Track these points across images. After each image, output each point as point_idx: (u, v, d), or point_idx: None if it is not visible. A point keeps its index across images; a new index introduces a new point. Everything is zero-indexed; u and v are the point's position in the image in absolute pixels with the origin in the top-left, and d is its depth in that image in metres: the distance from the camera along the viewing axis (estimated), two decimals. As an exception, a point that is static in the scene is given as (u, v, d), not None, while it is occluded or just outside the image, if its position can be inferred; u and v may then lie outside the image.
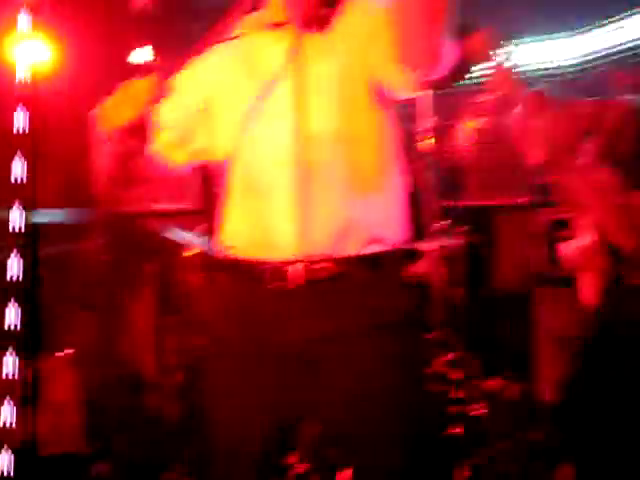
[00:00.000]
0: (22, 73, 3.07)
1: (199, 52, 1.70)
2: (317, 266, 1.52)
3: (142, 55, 4.53)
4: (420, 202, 3.31)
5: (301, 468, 2.72)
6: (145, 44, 4.51)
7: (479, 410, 3.32)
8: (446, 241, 3.30)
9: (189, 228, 3.58)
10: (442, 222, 3.30)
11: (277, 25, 1.58)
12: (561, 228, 3.58)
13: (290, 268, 1.53)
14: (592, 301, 2.65)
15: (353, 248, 1.54)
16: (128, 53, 4.51)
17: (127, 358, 4.55)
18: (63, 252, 3.75)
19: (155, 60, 4.22)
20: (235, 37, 1.65)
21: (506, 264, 4.39)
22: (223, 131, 1.63)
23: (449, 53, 1.44)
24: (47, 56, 3.20)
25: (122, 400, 4.16)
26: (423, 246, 3.31)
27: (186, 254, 3.54)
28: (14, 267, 3.08)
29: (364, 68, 1.53)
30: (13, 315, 3.03)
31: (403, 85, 1.50)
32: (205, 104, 1.66)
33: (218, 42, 1.66)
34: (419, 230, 3.33)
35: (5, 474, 2.89)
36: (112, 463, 3.42)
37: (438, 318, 3.29)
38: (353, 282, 1.54)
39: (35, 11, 3.03)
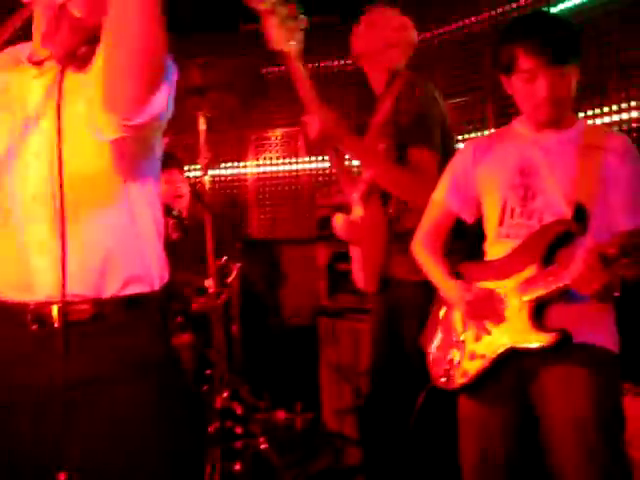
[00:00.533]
0: None
1: None
2: (76, 307, 1.48)
3: None
4: (196, 239, 3.34)
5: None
6: None
7: (263, 444, 3.36)
8: (226, 277, 3.34)
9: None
10: (220, 258, 3.33)
11: (37, 63, 1.54)
12: (342, 261, 3.72)
13: (49, 310, 1.47)
14: (362, 284, 2.75)
15: (112, 288, 1.51)
16: None
17: None
18: None
19: None
20: None
21: (290, 297, 4.51)
22: None
23: (156, 102, 1.44)
24: None
25: None
26: (201, 283, 3.33)
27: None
28: None
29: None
30: None
31: (104, 126, 1.46)
32: None
33: None
34: (196, 266, 3.35)
35: None
36: None
37: (218, 354, 3.31)
38: (112, 324, 1.51)
39: None
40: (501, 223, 2.10)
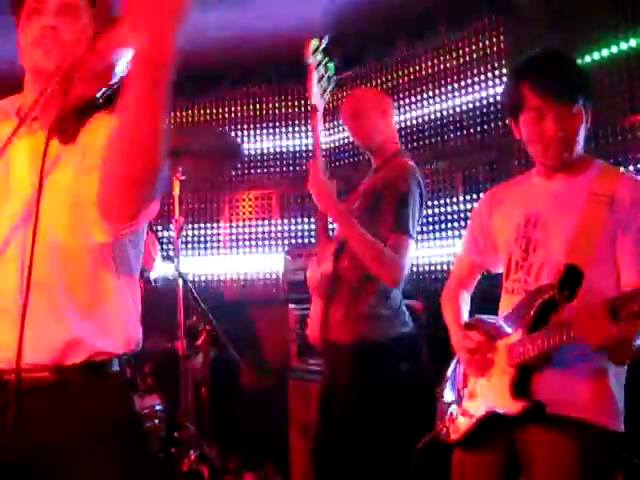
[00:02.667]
0: None
1: None
2: (37, 375, 1.48)
3: None
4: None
5: None
6: None
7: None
8: (195, 339, 3.35)
9: None
10: (190, 320, 3.35)
11: (25, 120, 1.53)
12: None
13: (8, 377, 1.47)
14: (314, 332, 2.83)
15: (74, 359, 1.51)
16: None
17: None
18: None
19: None
20: None
21: (260, 357, 4.51)
22: None
23: (150, 211, 1.48)
24: None
25: None
26: (171, 345, 3.34)
27: None
28: None
29: (81, 192, 1.52)
30: None
31: (94, 230, 1.50)
32: None
33: None
34: (164, 327, 3.36)
35: None
36: None
37: (185, 415, 3.31)
38: (72, 391, 1.51)
39: None
40: (507, 277, 2.08)
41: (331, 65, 2.82)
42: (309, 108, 2.85)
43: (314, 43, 2.75)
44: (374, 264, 2.66)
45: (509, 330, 1.98)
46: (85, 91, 1.54)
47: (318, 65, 2.76)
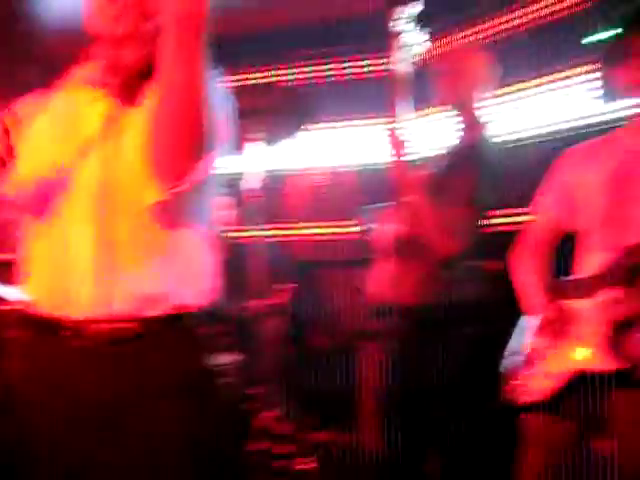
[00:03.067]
0: None
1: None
2: (118, 325, 1.52)
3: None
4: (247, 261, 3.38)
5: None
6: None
7: (306, 464, 3.36)
8: (270, 297, 3.36)
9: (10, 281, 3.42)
10: (265, 278, 3.35)
11: (95, 87, 1.59)
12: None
13: (91, 326, 1.51)
14: (377, 292, 2.84)
15: (156, 310, 1.54)
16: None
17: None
18: None
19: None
20: (60, 89, 1.65)
21: (330, 318, 4.52)
22: (27, 180, 1.58)
23: (201, 170, 1.47)
24: None
25: None
26: (242, 304, 3.35)
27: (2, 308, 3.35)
28: None
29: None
30: None
31: (145, 188, 1.51)
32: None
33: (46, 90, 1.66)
34: (241, 288, 3.38)
35: None
36: None
37: (266, 373, 3.33)
38: (153, 343, 1.54)
39: None
40: (592, 234, 2.06)
41: (418, 32, 2.77)
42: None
43: (404, 10, 2.72)
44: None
45: (601, 288, 1.95)
46: (149, 54, 1.54)
47: (404, 32, 2.73)
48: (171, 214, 1.55)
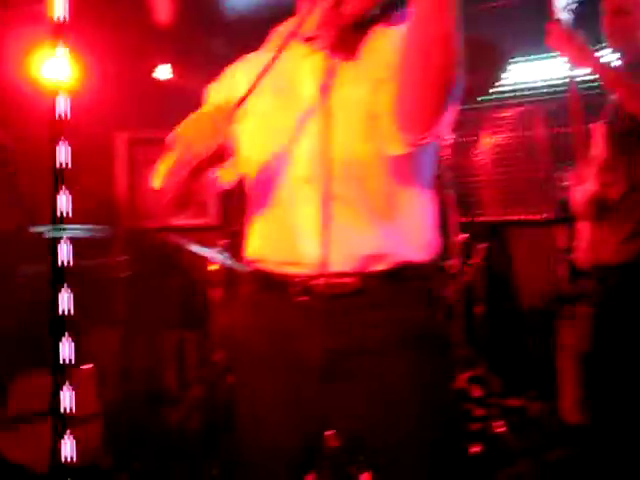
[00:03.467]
0: (53, 88, 3.12)
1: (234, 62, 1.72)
2: (341, 280, 1.53)
3: (166, 71, 4.59)
4: (441, 219, 3.32)
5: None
6: (168, 60, 4.57)
7: (500, 428, 3.30)
8: (466, 258, 3.30)
9: (209, 243, 3.61)
10: (461, 238, 3.29)
11: (309, 39, 1.59)
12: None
13: (315, 283, 1.54)
14: (584, 256, 2.75)
15: (377, 266, 1.54)
16: (152, 69, 4.58)
17: (148, 372, 4.58)
18: (87, 267, 3.78)
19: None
20: (266, 48, 1.67)
21: (526, 280, 4.38)
22: (247, 144, 1.64)
23: (446, 121, 1.44)
24: (73, 73, 3.24)
25: (143, 413, 4.18)
26: (445, 263, 3.31)
27: (209, 268, 3.55)
28: (64, 252, 3.11)
29: (377, 105, 1.52)
30: (65, 300, 3.05)
31: (390, 142, 1.49)
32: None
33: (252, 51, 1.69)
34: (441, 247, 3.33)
35: (69, 460, 2.93)
36: (132, 476, 3.43)
37: (459, 335, 3.29)
38: (377, 297, 1.54)
39: (60, 29, 3.08)
40: None
41: None
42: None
43: None
44: None
45: None
46: (361, 5, 1.53)
47: None
48: (401, 169, 1.54)
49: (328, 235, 1.51)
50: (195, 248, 3.48)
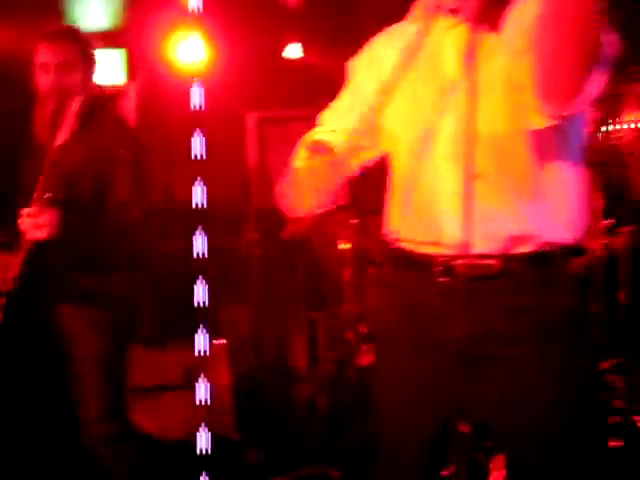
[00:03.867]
0: (192, 59, 3.20)
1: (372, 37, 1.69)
2: (483, 262, 1.49)
3: (296, 50, 4.61)
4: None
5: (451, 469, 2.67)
6: (298, 39, 4.59)
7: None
8: (611, 239, 3.14)
9: (339, 223, 3.60)
10: (606, 220, 3.13)
11: (452, 11, 1.52)
12: None
13: (457, 263, 1.50)
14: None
15: (522, 248, 1.49)
16: (282, 48, 4.61)
17: (279, 349, 4.66)
18: (215, 246, 3.88)
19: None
20: (408, 20, 1.62)
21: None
22: (390, 120, 1.60)
23: (592, 89, 1.36)
24: (206, 53, 3.31)
25: (272, 389, 4.26)
26: (588, 244, 3.16)
27: (340, 247, 3.54)
28: (199, 244, 3.21)
29: (518, 76, 1.46)
30: (201, 292, 3.16)
31: (533, 115, 1.42)
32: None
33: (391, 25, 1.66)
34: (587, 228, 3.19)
35: (204, 453, 3.07)
36: (263, 450, 3.50)
37: (602, 321, 3.13)
38: (519, 280, 1.48)
39: (193, 13, 3.15)
40: None
41: None
42: None
43: None
44: None
45: None
46: None
47: None
48: (546, 144, 1.48)
49: (470, 214, 1.47)
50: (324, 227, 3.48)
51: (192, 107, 3.09)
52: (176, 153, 3.04)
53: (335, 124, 1.65)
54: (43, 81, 2.40)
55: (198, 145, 3.10)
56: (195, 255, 3.19)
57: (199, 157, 3.11)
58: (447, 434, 1.65)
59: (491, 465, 2.55)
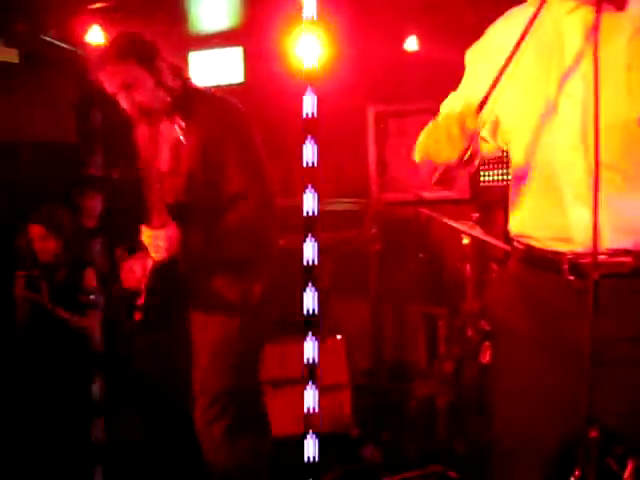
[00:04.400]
0: (308, 62, 3.20)
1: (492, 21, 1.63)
2: (615, 259, 1.41)
3: (414, 43, 4.53)
4: None
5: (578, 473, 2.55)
6: (416, 32, 4.51)
7: None
8: None
9: (459, 217, 3.51)
10: None
11: None
12: None
13: (586, 261, 1.42)
14: None
15: None
16: (400, 42, 4.54)
17: (397, 345, 4.61)
18: (334, 241, 3.87)
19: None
20: (526, 4, 1.55)
21: None
22: (509, 110, 1.54)
23: None
24: (326, 47, 3.30)
25: (391, 385, 4.22)
26: None
27: (463, 242, 3.44)
28: (309, 251, 3.22)
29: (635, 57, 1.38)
30: (311, 299, 3.17)
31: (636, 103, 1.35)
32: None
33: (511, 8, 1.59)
34: None
35: (311, 459, 3.08)
36: (381, 447, 3.46)
37: None
38: None
39: (312, 6, 3.14)
40: None
41: None
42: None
43: None
44: None
45: None
46: None
47: None
48: None
49: (600, 208, 1.37)
50: (448, 221, 3.40)
51: (305, 114, 3.10)
52: (292, 156, 3.05)
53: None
54: (124, 106, 2.35)
55: (310, 152, 3.10)
56: (305, 262, 3.19)
57: (310, 164, 3.11)
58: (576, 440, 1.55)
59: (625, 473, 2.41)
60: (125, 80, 2.30)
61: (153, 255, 2.29)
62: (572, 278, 1.45)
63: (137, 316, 2.39)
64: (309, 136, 3.08)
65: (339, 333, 3.66)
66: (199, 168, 2.35)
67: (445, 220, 3.39)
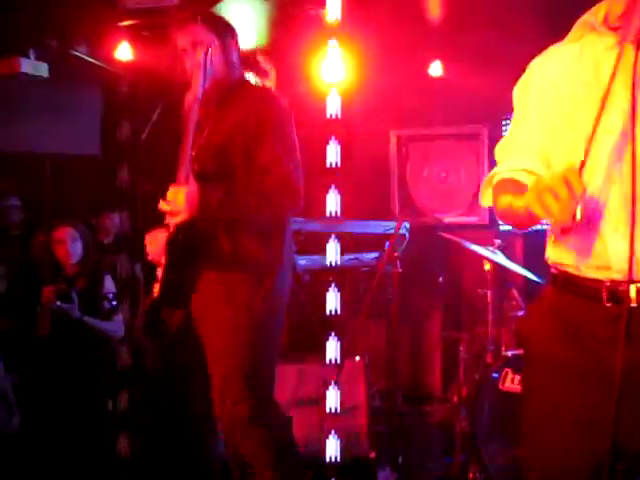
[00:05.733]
0: (332, 85, 3.25)
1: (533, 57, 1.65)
2: None
3: (438, 68, 4.56)
4: None
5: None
6: (439, 57, 4.53)
7: None
8: None
9: (481, 242, 3.51)
10: None
11: (615, 29, 1.48)
12: None
13: (623, 288, 1.44)
14: None
15: None
16: (424, 67, 4.57)
17: (413, 368, 4.59)
18: (361, 262, 3.88)
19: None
20: (567, 40, 1.59)
21: None
22: (558, 140, 1.56)
23: None
24: (348, 72, 3.33)
25: (406, 409, 4.20)
26: None
27: (485, 268, 3.45)
28: (332, 254, 3.24)
29: None
30: (334, 301, 3.19)
31: None
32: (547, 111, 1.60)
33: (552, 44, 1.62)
34: None
35: (333, 460, 3.08)
36: (398, 471, 3.45)
37: None
38: None
39: (335, 30, 3.19)
40: None
41: None
42: None
43: None
44: None
45: None
46: None
47: None
48: None
49: (633, 238, 1.40)
50: (472, 247, 3.40)
51: (328, 116, 3.15)
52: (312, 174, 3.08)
53: (523, 161, 1.62)
54: (187, 64, 2.50)
55: (333, 153, 3.13)
56: (328, 263, 3.21)
57: (334, 165, 3.13)
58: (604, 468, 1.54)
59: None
60: (198, 41, 2.47)
61: (173, 220, 2.36)
62: (610, 305, 1.46)
63: (155, 291, 2.44)
64: (333, 137, 3.13)
65: (358, 355, 3.66)
66: (235, 140, 2.45)
67: (470, 246, 3.40)
